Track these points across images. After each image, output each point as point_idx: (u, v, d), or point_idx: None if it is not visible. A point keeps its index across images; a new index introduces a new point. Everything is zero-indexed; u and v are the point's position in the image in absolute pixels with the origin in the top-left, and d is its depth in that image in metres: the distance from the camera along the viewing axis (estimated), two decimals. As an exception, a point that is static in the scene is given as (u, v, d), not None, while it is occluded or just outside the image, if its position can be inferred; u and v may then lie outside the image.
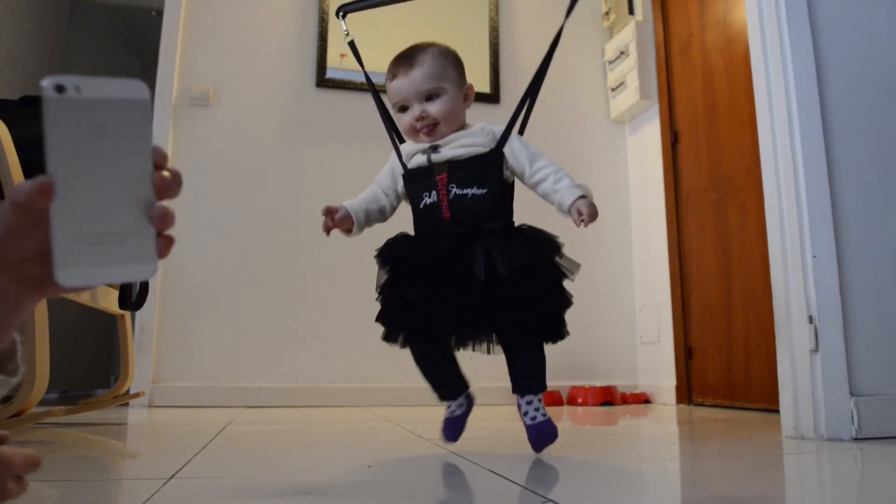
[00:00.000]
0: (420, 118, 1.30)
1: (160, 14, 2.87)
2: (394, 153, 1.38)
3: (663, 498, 0.93)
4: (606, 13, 3.26)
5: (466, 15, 3.15)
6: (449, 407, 1.34)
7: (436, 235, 1.27)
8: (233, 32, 2.92)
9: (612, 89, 3.22)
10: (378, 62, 3.14)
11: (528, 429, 1.27)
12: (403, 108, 1.34)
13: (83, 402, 2.03)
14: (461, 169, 1.29)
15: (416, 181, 1.32)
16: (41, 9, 3.41)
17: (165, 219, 0.41)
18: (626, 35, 3.08)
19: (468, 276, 1.20)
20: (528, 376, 1.31)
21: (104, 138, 0.40)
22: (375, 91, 1.51)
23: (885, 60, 1.67)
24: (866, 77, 1.65)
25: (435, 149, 1.31)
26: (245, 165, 2.81)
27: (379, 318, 1.29)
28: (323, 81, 2.93)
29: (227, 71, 2.87)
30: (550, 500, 0.79)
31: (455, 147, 1.31)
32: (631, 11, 3.14)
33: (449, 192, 1.28)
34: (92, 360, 3.88)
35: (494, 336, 1.30)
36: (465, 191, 1.28)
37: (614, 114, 3.21)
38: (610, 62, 3.23)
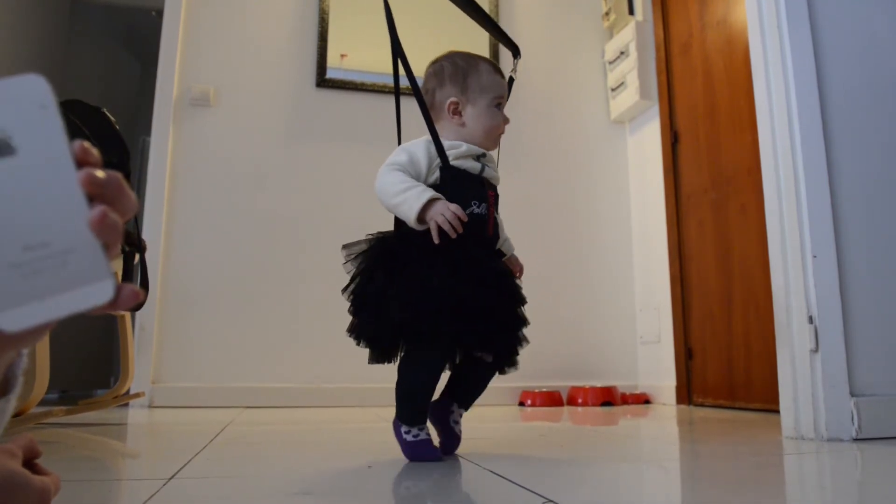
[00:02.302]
0: (505, 124, 1.34)
1: (160, 14, 2.87)
2: (425, 142, 1.26)
3: (663, 498, 0.93)
4: (606, 13, 3.26)
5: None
6: (409, 432, 1.19)
7: (480, 248, 1.23)
8: (233, 32, 2.92)
9: (613, 89, 3.22)
10: (377, 62, 3.15)
11: (454, 437, 1.27)
12: (499, 105, 1.33)
13: (83, 402, 2.03)
14: (496, 193, 1.32)
15: (463, 183, 1.23)
16: (41, 9, 3.41)
17: (104, 221, 0.34)
18: (626, 35, 3.08)
19: (497, 296, 1.22)
20: (477, 395, 1.33)
21: (8, 149, 0.34)
22: (407, 64, 1.32)
23: (885, 60, 1.67)
24: (866, 77, 1.65)
25: (483, 160, 1.29)
26: (245, 165, 2.81)
27: (416, 318, 1.14)
28: (323, 81, 2.93)
29: (227, 71, 2.88)
30: (550, 501, 0.79)
31: (494, 169, 1.33)
32: (631, 11, 3.14)
33: (495, 209, 1.30)
34: (92, 361, 3.88)
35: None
36: (497, 215, 1.32)
37: (614, 114, 3.21)
38: (610, 62, 3.23)
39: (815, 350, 1.48)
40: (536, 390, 2.73)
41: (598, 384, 2.82)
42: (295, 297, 2.73)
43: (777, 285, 1.58)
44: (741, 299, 2.42)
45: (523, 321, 1.28)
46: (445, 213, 1.14)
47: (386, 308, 1.16)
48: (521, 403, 2.75)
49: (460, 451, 1.27)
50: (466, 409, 1.31)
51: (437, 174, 1.23)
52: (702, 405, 2.61)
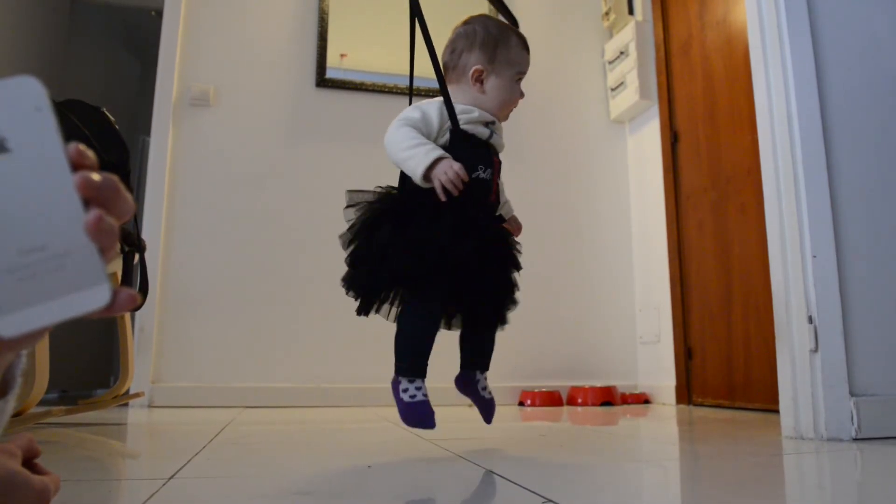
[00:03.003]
0: (520, 99, 1.37)
1: (160, 14, 2.87)
2: (438, 103, 1.27)
3: (663, 498, 0.93)
4: (606, 13, 3.26)
5: (466, 15, 3.16)
6: (407, 391, 1.20)
7: (483, 211, 1.27)
8: (233, 32, 2.92)
9: (612, 89, 3.22)
10: (376, 62, 3.15)
11: (487, 402, 1.32)
12: (519, 79, 1.35)
13: (83, 402, 2.03)
14: (500, 160, 1.34)
15: (471, 148, 1.26)
16: (41, 9, 3.41)
17: (100, 225, 0.34)
18: (626, 35, 3.08)
19: (494, 257, 1.26)
20: (489, 354, 1.36)
21: (3, 151, 0.34)
22: (424, 25, 1.32)
23: (884, 60, 1.67)
24: (866, 77, 1.65)
25: (492, 127, 1.32)
26: (245, 165, 2.81)
27: (406, 263, 1.17)
28: (323, 81, 2.93)
29: (227, 71, 2.87)
30: (550, 501, 0.79)
31: (501, 137, 1.35)
32: (631, 11, 3.14)
33: (499, 176, 1.33)
34: (92, 360, 3.88)
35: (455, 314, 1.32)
36: (500, 181, 1.35)
37: (614, 114, 3.21)
38: (610, 62, 3.23)
39: (815, 350, 1.48)
40: (536, 390, 2.73)
41: (598, 384, 2.82)
42: (295, 298, 2.73)
43: (777, 285, 1.58)
44: (741, 299, 2.42)
45: (514, 285, 1.32)
46: (448, 172, 1.17)
47: (392, 258, 1.19)
48: (521, 403, 2.75)
49: (459, 450, 1.27)
50: (487, 370, 1.36)
51: (447, 136, 1.26)
52: (701, 405, 2.61)
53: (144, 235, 2.47)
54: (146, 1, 3.80)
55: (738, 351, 2.42)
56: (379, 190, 1.28)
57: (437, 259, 1.17)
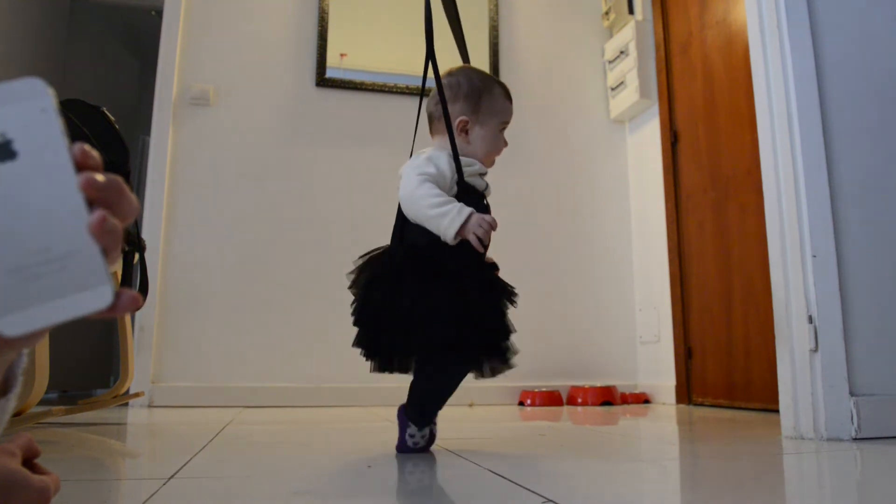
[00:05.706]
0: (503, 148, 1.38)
1: (160, 14, 2.87)
2: (446, 156, 1.26)
3: (663, 498, 0.93)
4: (606, 13, 3.26)
5: (466, 15, 3.15)
6: (413, 437, 1.24)
7: (479, 260, 1.26)
8: (232, 32, 2.92)
9: (612, 89, 3.22)
10: (376, 62, 3.14)
11: (432, 437, 1.31)
12: (503, 129, 1.36)
13: (83, 401, 2.03)
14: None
15: (472, 199, 1.26)
16: (41, 9, 3.41)
17: (103, 226, 0.34)
18: (626, 34, 3.08)
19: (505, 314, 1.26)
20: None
21: (8, 153, 0.34)
22: (439, 79, 1.31)
23: (884, 60, 1.67)
24: (866, 77, 1.65)
25: (484, 177, 1.33)
26: (245, 165, 2.81)
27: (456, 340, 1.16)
28: (323, 81, 2.93)
29: (227, 71, 2.87)
30: (550, 501, 0.79)
31: (489, 185, 1.35)
32: (631, 11, 3.14)
33: None
34: (92, 360, 3.88)
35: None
36: None
37: (614, 113, 3.21)
38: (610, 62, 3.23)
39: (815, 350, 1.48)
40: (536, 390, 2.73)
41: (598, 384, 2.82)
42: (295, 297, 2.73)
43: (777, 285, 1.58)
44: (741, 299, 2.42)
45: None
46: (483, 224, 1.17)
47: (423, 327, 1.16)
48: (521, 403, 2.75)
49: (460, 450, 1.27)
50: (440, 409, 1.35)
51: (454, 189, 1.26)
52: (701, 405, 2.61)
53: (144, 235, 2.47)
54: (146, 1, 3.80)
55: (738, 351, 2.42)
56: (378, 250, 1.27)
57: (469, 323, 1.16)
